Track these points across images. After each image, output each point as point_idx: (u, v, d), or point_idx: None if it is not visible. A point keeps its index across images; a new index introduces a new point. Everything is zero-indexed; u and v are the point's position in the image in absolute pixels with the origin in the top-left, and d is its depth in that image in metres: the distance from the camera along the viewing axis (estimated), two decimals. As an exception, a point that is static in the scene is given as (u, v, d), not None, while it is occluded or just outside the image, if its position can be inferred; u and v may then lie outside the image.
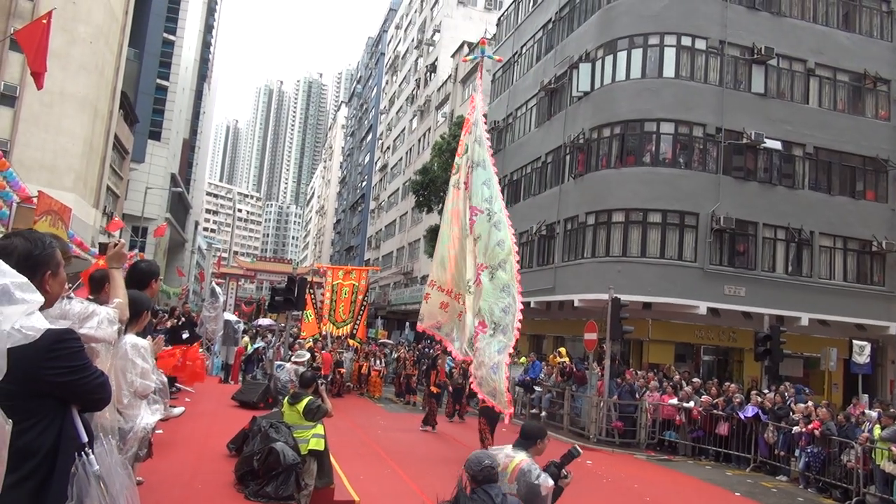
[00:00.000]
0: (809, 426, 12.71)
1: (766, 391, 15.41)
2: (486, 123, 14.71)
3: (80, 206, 23.00)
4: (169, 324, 14.03)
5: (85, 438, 2.21)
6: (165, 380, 4.33)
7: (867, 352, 17.87)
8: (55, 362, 2.10)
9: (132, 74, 37.72)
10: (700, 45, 21.53)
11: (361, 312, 22.53)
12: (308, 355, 13.31)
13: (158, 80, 44.67)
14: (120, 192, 34.59)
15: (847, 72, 22.77)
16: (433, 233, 35.62)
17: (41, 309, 2.02)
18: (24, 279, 1.89)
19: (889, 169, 22.36)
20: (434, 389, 15.23)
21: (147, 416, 3.87)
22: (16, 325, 1.84)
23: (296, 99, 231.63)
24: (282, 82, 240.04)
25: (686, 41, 21.54)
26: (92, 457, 2.17)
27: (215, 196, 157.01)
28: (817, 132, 21.93)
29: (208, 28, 62.42)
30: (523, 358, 22.00)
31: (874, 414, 13.66)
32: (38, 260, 2.24)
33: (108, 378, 2.39)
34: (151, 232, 38.80)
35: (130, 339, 3.93)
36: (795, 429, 13.03)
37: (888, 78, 22.81)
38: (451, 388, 17.22)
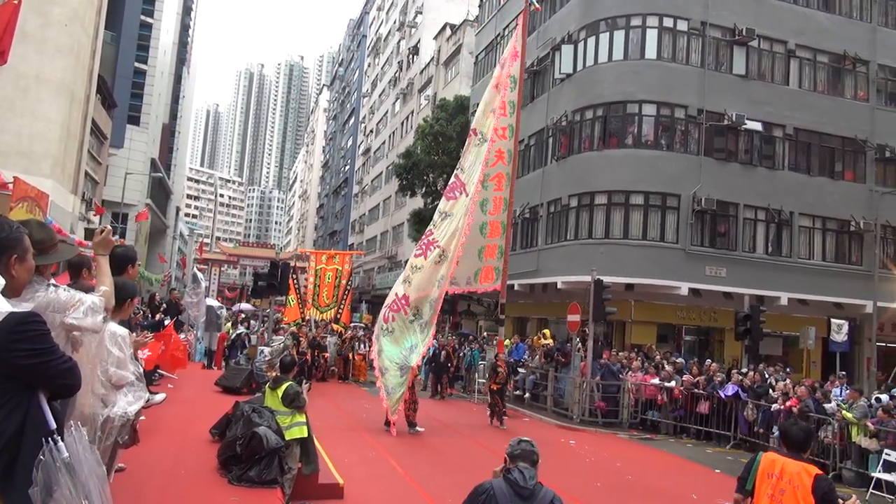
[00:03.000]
0: (788, 403, 12.92)
1: (744, 370, 15.62)
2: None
3: (58, 193, 22.65)
4: (157, 316, 13.93)
5: (53, 425, 2.19)
6: (142, 371, 4.28)
7: (845, 330, 18.21)
8: (18, 345, 2.08)
9: (109, 58, 37.05)
10: (682, 26, 21.53)
11: (345, 297, 22.51)
12: (282, 339, 13.25)
13: (136, 64, 43.92)
14: (99, 177, 34.11)
15: (827, 53, 22.90)
16: (417, 216, 35.58)
17: (7, 295, 1.99)
18: None
19: (867, 149, 22.59)
20: (494, 387, 14.35)
21: (123, 404, 3.84)
22: None
23: (277, 82, 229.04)
24: (262, 65, 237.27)
25: (668, 22, 21.52)
26: (61, 444, 2.15)
27: (196, 181, 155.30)
28: (797, 113, 22.08)
29: (187, 10, 61.41)
30: (507, 340, 22.12)
31: (838, 391, 13.86)
32: (3, 244, 2.21)
33: (80, 365, 2.36)
34: (132, 218, 38.39)
35: (110, 326, 3.89)
36: (774, 406, 13.25)
37: (867, 59, 22.99)
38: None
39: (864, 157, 22.77)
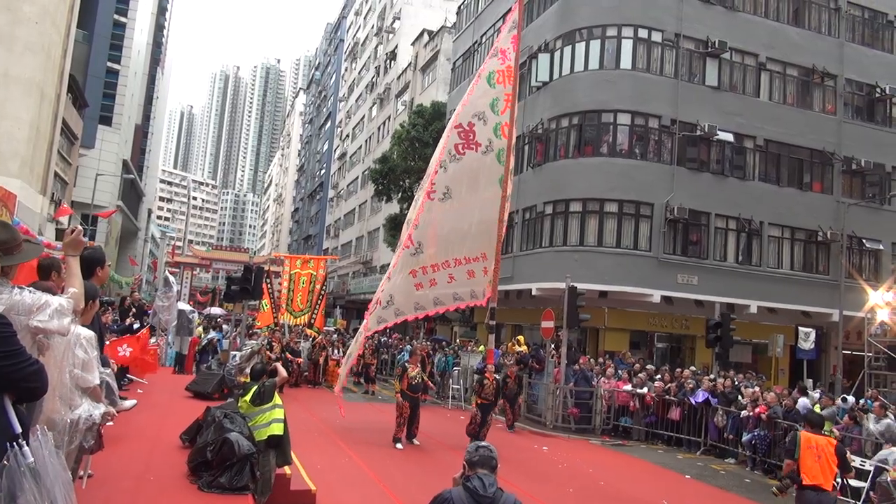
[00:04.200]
0: (757, 410, 13.12)
1: (712, 376, 15.84)
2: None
3: (26, 193, 22.21)
4: (128, 321, 13.73)
5: (18, 429, 2.14)
6: (111, 371, 4.21)
7: (812, 338, 18.57)
8: None
9: (81, 57, 36.47)
10: (656, 37, 21.85)
11: (319, 302, 22.34)
12: (250, 346, 13.05)
13: (109, 64, 43.28)
14: (69, 178, 33.52)
15: (796, 66, 23.41)
16: (392, 221, 35.52)
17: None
18: None
19: (835, 161, 23.13)
20: (480, 401, 12.44)
21: (88, 406, 3.77)
22: None
23: (253, 85, 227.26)
24: (238, 68, 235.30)
25: (643, 33, 21.82)
26: (26, 449, 2.11)
27: (169, 183, 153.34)
28: (768, 125, 22.52)
29: (161, 10, 60.74)
30: (482, 346, 22.16)
31: (816, 395, 14.35)
32: None
33: (47, 368, 2.32)
34: (101, 218, 37.70)
35: (73, 328, 3.82)
36: (743, 413, 13.45)
37: (835, 73, 23.55)
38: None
39: (831, 168, 23.30)
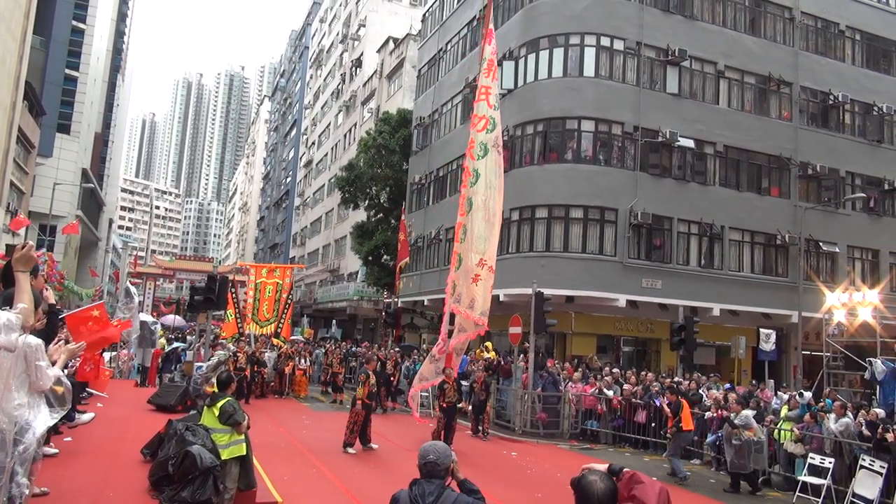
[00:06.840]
0: (720, 412, 13.33)
1: (678, 379, 16.08)
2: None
3: (-20, 203, 21.60)
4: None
5: None
6: (62, 376, 4.09)
7: (772, 339, 18.96)
8: None
9: (38, 64, 35.65)
10: (618, 45, 22.19)
11: (286, 311, 22.10)
12: (216, 358, 12.82)
13: (67, 71, 42.35)
14: (25, 188, 32.67)
15: (753, 74, 24.00)
16: (360, 229, 35.36)
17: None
18: None
19: (791, 166, 23.73)
20: (444, 405, 12.84)
21: (46, 418, 3.67)
22: None
23: (216, 92, 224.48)
24: (201, 75, 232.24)
25: (605, 41, 22.15)
26: None
27: (131, 192, 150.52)
28: (727, 131, 23.02)
29: (122, 16, 59.72)
30: (450, 353, 22.12)
31: (785, 396, 14.67)
32: None
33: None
34: (60, 230, 36.78)
35: (22, 339, 3.72)
36: (707, 414, 13.67)
37: (790, 81, 24.20)
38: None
39: (788, 173, 23.89)
